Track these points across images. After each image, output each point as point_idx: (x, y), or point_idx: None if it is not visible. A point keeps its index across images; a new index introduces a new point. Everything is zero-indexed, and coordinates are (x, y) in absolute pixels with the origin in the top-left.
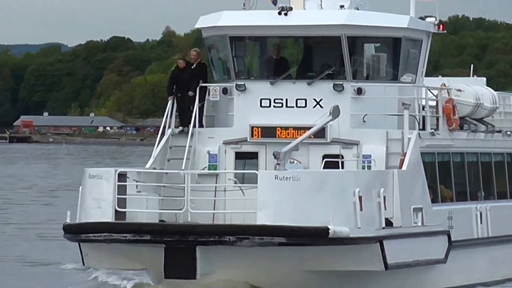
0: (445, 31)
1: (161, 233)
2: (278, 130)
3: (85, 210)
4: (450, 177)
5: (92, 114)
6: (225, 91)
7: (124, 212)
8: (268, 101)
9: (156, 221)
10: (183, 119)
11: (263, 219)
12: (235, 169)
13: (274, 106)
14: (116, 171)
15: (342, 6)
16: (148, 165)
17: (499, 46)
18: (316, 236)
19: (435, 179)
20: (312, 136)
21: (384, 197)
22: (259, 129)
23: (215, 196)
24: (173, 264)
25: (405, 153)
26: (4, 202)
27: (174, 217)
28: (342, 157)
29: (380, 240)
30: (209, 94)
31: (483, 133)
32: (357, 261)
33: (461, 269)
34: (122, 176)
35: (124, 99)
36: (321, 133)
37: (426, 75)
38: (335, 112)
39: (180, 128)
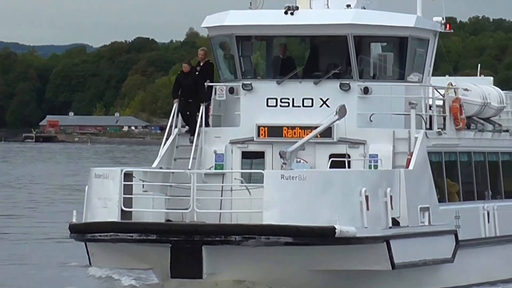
0: (452, 31)
1: (167, 232)
2: (285, 129)
3: (91, 210)
4: (457, 177)
5: (117, 114)
6: (231, 90)
7: (130, 212)
8: (274, 100)
9: (162, 221)
10: (186, 118)
11: (269, 218)
12: (241, 169)
13: (280, 106)
14: (122, 170)
15: (348, 6)
16: (154, 165)
17: None
18: (323, 236)
19: (442, 178)
20: (318, 136)
21: (391, 197)
22: (266, 128)
23: (221, 196)
24: (179, 264)
25: (412, 152)
26: (29, 200)
27: (181, 216)
28: (349, 157)
29: (386, 239)
30: (215, 94)
31: (490, 133)
32: (363, 260)
33: (469, 268)
34: (128, 176)
35: (149, 99)
36: (327, 132)
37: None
38: (342, 112)
39: (187, 127)
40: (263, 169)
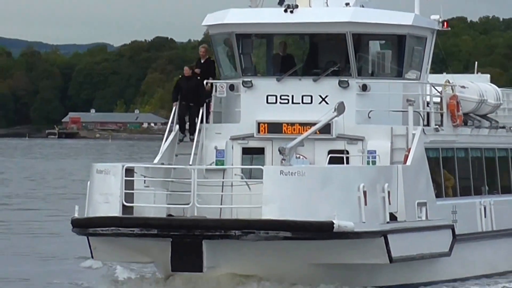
0: (449, 29)
1: (168, 227)
2: (284, 126)
3: (93, 205)
4: (454, 172)
5: (136, 111)
6: (232, 87)
7: (132, 207)
8: (274, 97)
9: (163, 216)
10: (183, 128)
11: (268, 213)
12: (241, 165)
13: (280, 103)
14: (123, 166)
15: (347, 4)
16: (156, 160)
17: None
18: (321, 231)
19: (439, 174)
20: (317, 132)
21: (389, 192)
22: (266, 125)
23: (222, 191)
24: (180, 258)
25: (410, 148)
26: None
27: (182, 211)
28: (347, 153)
29: (384, 234)
30: (216, 91)
31: (487, 129)
32: (362, 254)
33: (465, 262)
34: (129, 171)
35: (168, 97)
36: (326, 129)
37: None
38: (340, 108)
39: (180, 136)
40: (263, 165)
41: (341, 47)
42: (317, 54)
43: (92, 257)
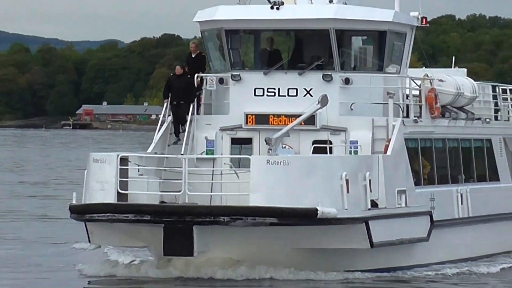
0: (428, 25)
1: (161, 213)
2: (271, 117)
3: (90, 192)
4: (432, 162)
5: (145, 104)
6: (221, 81)
7: (126, 194)
8: (261, 90)
9: (157, 203)
10: (177, 129)
11: (255, 200)
12: (230, 154)
13: (267, 95)
14: (118, 155)
15: (331, 1)
16: (149, 150)
17: None
18: (306, 217)
19: (418, 163)
20: (302, 123)
21: (370, 180)
22: (253, 116)
23: (212, 179)
24: (172, 242)
25: (390, 139)
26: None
27: (174, 198)
28: (331, 143)
29: (365, 220)
30: (206, 84)
31: (463, 121)
32: (344, 239)
33: (443, 247)
34: (124, 160)
35: None
36: (311, 120)
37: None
38: (324, 101)
39: (175, 138)
40: (251, 155)
41: (325, 42)
42: (302, 49)
43: (89, 241)
